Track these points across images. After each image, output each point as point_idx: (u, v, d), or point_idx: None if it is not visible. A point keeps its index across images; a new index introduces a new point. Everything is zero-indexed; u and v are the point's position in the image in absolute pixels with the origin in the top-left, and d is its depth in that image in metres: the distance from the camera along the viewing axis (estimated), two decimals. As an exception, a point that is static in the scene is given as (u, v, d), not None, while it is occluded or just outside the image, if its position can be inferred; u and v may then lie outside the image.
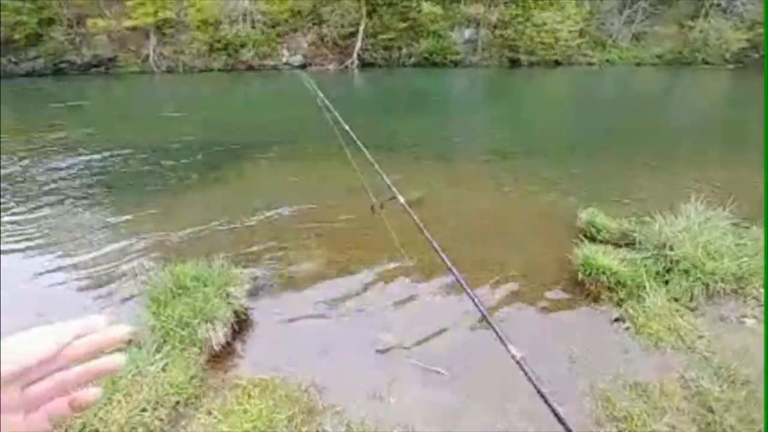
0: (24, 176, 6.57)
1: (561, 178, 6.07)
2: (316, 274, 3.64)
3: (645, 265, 3.17)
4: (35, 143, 8.53)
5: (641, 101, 14.34)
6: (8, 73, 26.03)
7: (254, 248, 4.04)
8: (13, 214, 5.09)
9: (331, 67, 26.95)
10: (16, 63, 26.66)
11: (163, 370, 2.30)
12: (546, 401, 0.39)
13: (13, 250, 4.19)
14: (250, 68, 26.35)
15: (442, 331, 2.91)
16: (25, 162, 7.30)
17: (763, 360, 2.28)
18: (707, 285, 2.97)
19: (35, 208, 5.25)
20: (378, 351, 2.72)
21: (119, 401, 2.07)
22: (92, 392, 0.35)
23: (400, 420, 2.17)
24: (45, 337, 0.32)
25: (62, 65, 26.57)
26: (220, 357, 2.64)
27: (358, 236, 4.30)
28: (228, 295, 2.86)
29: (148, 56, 26.50)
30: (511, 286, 3.41)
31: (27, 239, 4.41)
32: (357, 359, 2.67)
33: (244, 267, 3.28)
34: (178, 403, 2.19)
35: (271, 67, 26.63)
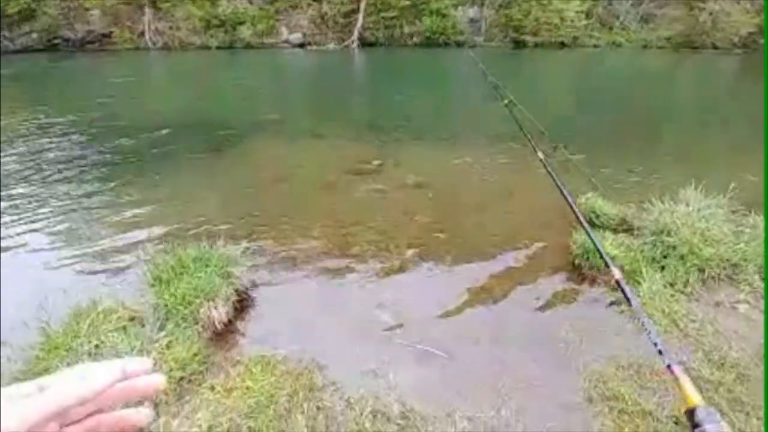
0: (18, 158, 6.52)
1: (563, 162, 6.04)
2: (317, 252, 3.67)
3: (642, 251, 3.20)
4: (25, 124, 8.43)
5: (646, 84, 14.13)
6: (2, 50, 25.45)
7: (254, 227, 4.06)
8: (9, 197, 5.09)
9: (331, 45, 26.36)
10: (10, 39, 26.01)
11: (167, 347, 2.35)
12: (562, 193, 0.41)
13: (10, 233, 4.20)
14: (248, 46, 25.77)
15: (442, 312, 2.96)
16: (20, 143, 7.23)
17: (764, 360, 2.33)
18: (703, 270, 3.00)
19: (31, 190, 5.23)
20: (378, 330, 2.77)
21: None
22: None
23: (398, 396, 2.24)
24: (89, 376, 0.32)
25: (56, 41, 25.94)
26: (222, 335, 2.69)
27: (360, 215, 4.32)
28: (229, 274, 2.89)
29: (143, 32, 25.86)
30: (509, 268, 3.45)
31: (22, 221, 4.42)
32: (357, 338, 2.72)
33: (245, 247, 3.30)
34: (182, 378, 2.25)
35: (270, 45, 26.04)
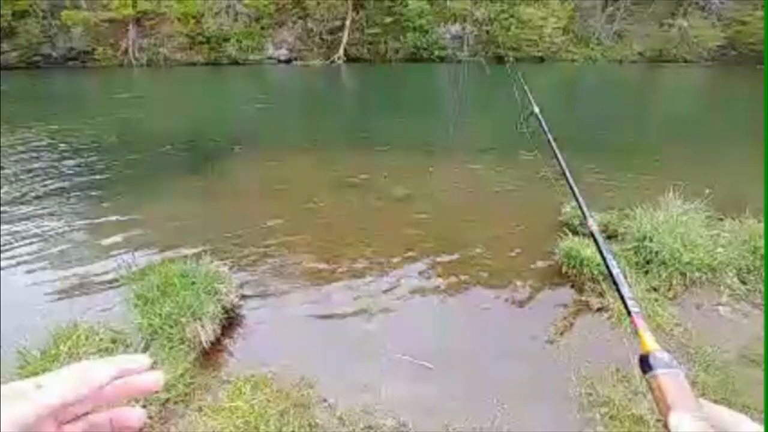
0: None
1: (545, 171, 6.18)
2: (306, 269, 3.64)
3: (626, 257, 3.27)
4: (7, 141, 8.23)
5: (623, 96, 14.67)
6: (-22, 67, 24.96)
7: (243, 244, 4.01)
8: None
9: (317, 61, 26.69)
10: (-13, 56, 25.53)
11: (152, 368, 2.27)
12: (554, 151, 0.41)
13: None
14: (234, 62, 25.88)
15: (431, 325, 2.96)
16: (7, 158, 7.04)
17: (764, 360, 2.39)
18: (684, 275, 3.09)
19: (15, 208, 5.08)
20: (369, 345, 2.75)
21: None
22: None
23: (391, 411, 2.21)
24: (86, 374, 0.32)
25: (36, 58, 25.62)
26: (210, 354, 2.62)
27: (349, 228, 4.31)
28: (217, 291, 2.84)
29: (126, 49, 25.77)
30: (495, 277, 3.48)
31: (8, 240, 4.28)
32: (347, 353, 2.69)
33: (232, 264, 3.26)
34: (167, 400, 2.18)
35: (256, 62, 26.21)
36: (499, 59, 26.29)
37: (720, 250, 3.21)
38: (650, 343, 0.35)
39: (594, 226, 0.44)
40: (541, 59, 26.21)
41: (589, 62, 26.83)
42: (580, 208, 0.50)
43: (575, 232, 3.89)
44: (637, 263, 3.24)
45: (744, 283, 3.10)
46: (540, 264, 3.64)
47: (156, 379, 0.36)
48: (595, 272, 3.20)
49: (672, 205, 3.64)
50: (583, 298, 3.18)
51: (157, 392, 2.24)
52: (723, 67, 23.84)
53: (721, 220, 3.64)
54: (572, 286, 3.30)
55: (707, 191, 3.77)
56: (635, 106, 12.89)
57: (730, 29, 25.01)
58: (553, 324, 2.91)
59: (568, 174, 0.49)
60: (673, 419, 0.30)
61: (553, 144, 0.57)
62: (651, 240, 3.28)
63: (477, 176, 6.11)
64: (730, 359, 2.45)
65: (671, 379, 0.33)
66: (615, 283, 0.39)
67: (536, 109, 0.84)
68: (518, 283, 3.41)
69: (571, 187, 0.51)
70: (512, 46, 25.87)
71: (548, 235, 3.84)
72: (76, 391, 0.30)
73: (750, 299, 2.99)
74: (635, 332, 0.35)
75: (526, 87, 1.11)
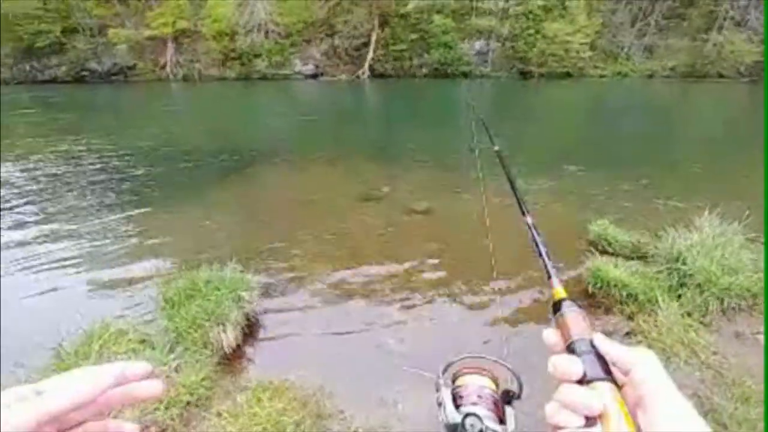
0: (38, 181, 6.78)
1: (572, 190, 6.05)
2: (327, 280, 3.67)
3: (657, 279, 3.13)
4: (59, 148, 8.81)
5: (653, 113, 14.24)
6: (30, 79, 27.01)
7: (265, 252, 4.10)
8: (19, 213, 5.25)
9: (343, 77, 27.36)
10: (39, 70, 27.64)
11: (176, 370, 2.34)
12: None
13: (24, 255, 4.31)
14: (263, 78, 26.88)
15: (450, 338, 2.91)
16: (41, 164, 7.53)
17: (764, 362, 2.24)
18: (722, 300, 2.92)
19: (43, 213, 5.40)
20: (387, 357, 2.73)
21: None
22: None
23: (408, 427, 2.17)
24: (86, 380, 0.31)
25: (83, 73, 27.48)
26: (231, 359, 2.67)
27: (371, 240, 4.34)
28: (239, 298, 2.90)
29: (165, 65, 27.26)
30: (520, 297, 3.40)
31: (37, 244, 4.54)
32: (365, 365, 2.68)
33: (256, 271, 3.33)
34: (189, 403, 2.23)
35: (284, 77, 27.13)
36: (524, 75, 26.20)
37: (761, 274, 3.02)
38: (561, 293, 0.42)
39: (530, 220, 0.51)
40: (568, 74, 25.88)
41: (618, 78, 26.28)
42: (518, 199, 0.56)
43: (603, 252, 3.78)
44: (670, 287, 3.09)
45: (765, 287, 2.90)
46: (566, 283, 3.52)
47: (155, 386, 0.36)
48: (624, 294, 3.08)
49: (708, 226, 3.48)
50: (611, 320, 3.05)
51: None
52: (760, 83, 22.79)
53: (762, 243, 3.44)
54: (599, 308, 3.18)
55: (746, 213, 3.58)
56: (665, 123, 12.47)
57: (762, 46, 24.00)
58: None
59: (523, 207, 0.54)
60: (595, 337, 0.37)
61: (514, 184, 0.61)
62: (684, 262, 3.14)
63: (499, 192, 6.03)
64: (773, 393, 2.28)
65: (574, 315, 0.39)
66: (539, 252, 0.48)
67: (496, 148, 0.85)
68: (543, 303, 3.32)
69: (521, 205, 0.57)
70: (537, 62, 25.73)
71: (574, 254, 3.73)
72: (76, 398, 0.30)
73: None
74: (551, 286, 0.44)
75: (486, 127, 1.09)
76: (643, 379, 0.33)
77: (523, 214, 0.57)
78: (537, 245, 0.50)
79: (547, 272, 0.46)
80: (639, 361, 0.34)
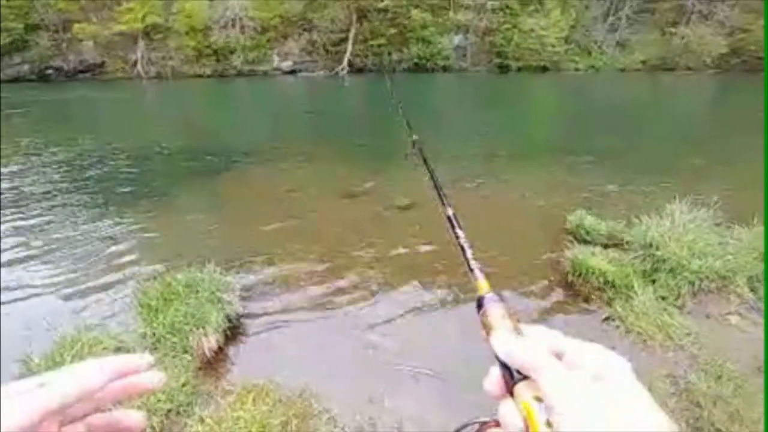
0: (11, 184, 6.44)
1: (551, 181, 6.18)
2: (309, 278, 3.63)
3: (632, 265, 3.23)
4: (26, 151, 8.39)
5: (627, 105, 14.67)
6: (-8, 79, 25.60)
7: (245, 253, 4.02)
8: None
9: (321, 72, 27.04)
10: (0, 69, 26.20)
11: (154, 367, 2.26)
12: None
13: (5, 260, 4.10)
14: (240, 74, 26.29)
15: (435, 334, 2.92)
16: (12, 168, 7.16)
17: (764, 363, 2.34)
18: (693, 283, 3.04)
19: (25, 216, 5.14)
20: (372, 355, 2.72)
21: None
22: None
23: (395, 423, 2.17)
24: (90, 369, 0.32)
25: (48, 71, 26.21)
26: (213, 363, 2.61)
27: (352, 241, 4.31)
28: (220, 300, 2.84)
29: (136, 62, 26.28)
30: (501, 286, 3.45)
31: (13, 246, 4.32)
32: (350, 363, 2.66)
33: (236, 272, 3.26)
34: (170, 411, 2.16)
35: (262, 73, 26.60)
36: (501, 69, 26.54)
37: (729, 257, 3.16)
38: (485, 288, 0.41)
39: (450, 212, 0.51)
40: (545, 68, 26.37)
41: (592, 71, 26.94)
42: (438, 193, 0.56)
43: (582, 241, 3.86)
44: (644, 272, 3.20)
45: (754, 291, 3.04)
46: (546, 273, 3.60)
47: (158, 378, 0.35)
48: (601, 281, 3.16)
49: (679, 212, 3.61)
50: (590, 307, 3.14)
51: (154, 391, 2.24)
52: (726, 75, 23.81)
53: (729, 228, 3.60)
54: (578, 295, 3.26)
55: (714, 199, 3.73)
56: (639, 114, 12.87)
57: (733, 37, 25.05)
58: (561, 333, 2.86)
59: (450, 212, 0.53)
60: (493, 338, 0.35)
61: (434, 176, 0.61)
62: (657, 248, 3.25)
63: (483, 185, 6.10)
64: (742, 369, 2.39)
65: (495, 309, 0.37)
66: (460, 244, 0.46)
67: (414, 137, 0.84)
68: (522, 291, 3.38)
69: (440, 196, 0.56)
70: (514, 56, 26.10)
71: (553, 244, 3.81)
72: (79, 389, 0.30)
73: (760, 308, 2.93)
74: (474, 281, 0.42)
75: (405, 120, 1.08)
76: (548, 396, 0.28)
77: (444, 205, 0.57)
78: (457, 237, 0.49)
79: (469, 266, 0.44)
80: (544, 372, 0.30)
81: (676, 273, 3.07)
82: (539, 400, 0.29)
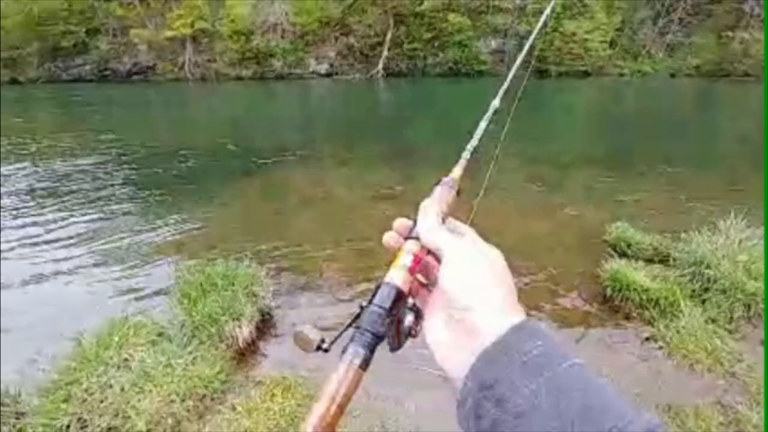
0: (66, 177, 6.99)
1: (590, 190, 5.93)
2: (338, 277, 3.68)
3: (679, 283, 3.04)
4: (82, 144, 9.08)
5: (676, 113, 13.83)
6: (55, 79, 27.95)
7: (282, 250, 4.13)
8: (43, 212, 5.42)
9: (357, 76, 27.42)
10: (63, 70, 28.58)
11: (192, 363, 2.37)
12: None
13: (47, 248, 4.45)
14: (279, 77, 27.17)
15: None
16: (75, 162, 7.77)
17: (764, 364, 2.15)
18: (748, 306, 2.81)
19: (66, 207, 5.56)
20: (397, 355, 2.71)
21: (150, 391, 2.16)
22: None
23: (420, 425, 2.16)
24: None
25: (106, 72, 28.30)
26: (245, 354, 2.70)
27: (381, 241, 4.32)
28: (254, 294, 2.93)
29: (183, 64, 27.80)
30: (536, 299, 3.34)
31: (59, 238, 4.68)
32: (378, 363, 2.66)
33: (270, 267, 3.36)
34: (204, 396, 2.26)
35: (298, 76, 27.36)
36: (541, 73, 25.78)
37: (791, 281, 2.90)
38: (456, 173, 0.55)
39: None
40: (586, 73, 25.37)
41: (638, 76, 25.62)
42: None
43: (623, 254, 3.69)
44: (692, 291, 2.99)
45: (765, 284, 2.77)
46: (583, 286, 3.45)
47: None
48: (643, 298, 3.00)
49: (734, 229, 3.36)
50: (630, 325, 2.98)
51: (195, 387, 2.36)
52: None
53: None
54: (617, 312, 3.10)
55: (775, 216, 3.43)
56: (691, 121, 12.09)
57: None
58: (595, 351, 2.74)
59: None
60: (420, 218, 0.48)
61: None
62: (708, 266, 3.03)
63: (514, 191, 5.95)
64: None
65: (439, 191, 0.53)
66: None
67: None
68: (559, 305, 3.26)
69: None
70: (555, 60, 25.29)
71: (593, 256, 3.65)
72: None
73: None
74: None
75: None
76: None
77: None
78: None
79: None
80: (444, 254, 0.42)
81: (728, 294, 2.86)
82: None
